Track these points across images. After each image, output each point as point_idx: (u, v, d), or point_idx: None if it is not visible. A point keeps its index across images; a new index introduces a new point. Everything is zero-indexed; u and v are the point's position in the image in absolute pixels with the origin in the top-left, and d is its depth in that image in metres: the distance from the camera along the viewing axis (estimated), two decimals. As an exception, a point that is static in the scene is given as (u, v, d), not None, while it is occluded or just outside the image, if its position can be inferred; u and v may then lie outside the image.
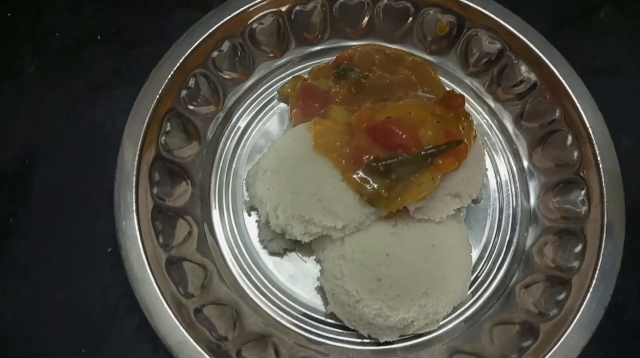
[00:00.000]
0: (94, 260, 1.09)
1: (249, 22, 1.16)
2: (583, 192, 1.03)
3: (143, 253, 0.93)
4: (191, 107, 1.10)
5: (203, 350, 0.87)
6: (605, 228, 0.97)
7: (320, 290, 1.02)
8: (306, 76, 1.18)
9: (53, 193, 1.15)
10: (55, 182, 1.16)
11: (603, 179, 1.01)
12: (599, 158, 1.02)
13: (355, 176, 0.93)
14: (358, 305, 0.94)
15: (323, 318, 1.02)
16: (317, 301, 1.03)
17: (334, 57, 1.18)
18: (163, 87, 1.05)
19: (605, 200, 0.99)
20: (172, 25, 1.28)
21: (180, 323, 0.89)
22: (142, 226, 0.96)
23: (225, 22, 1.13)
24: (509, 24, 1.12)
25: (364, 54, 1.16)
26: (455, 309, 1.02)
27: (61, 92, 1.25)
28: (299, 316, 1.02)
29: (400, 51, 1.21)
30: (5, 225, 1.11)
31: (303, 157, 0.99)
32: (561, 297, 0.96)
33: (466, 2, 1.15)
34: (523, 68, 1.14)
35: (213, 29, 1.12)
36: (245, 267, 1.05)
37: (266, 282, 1.04)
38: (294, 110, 1.09)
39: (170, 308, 0.90)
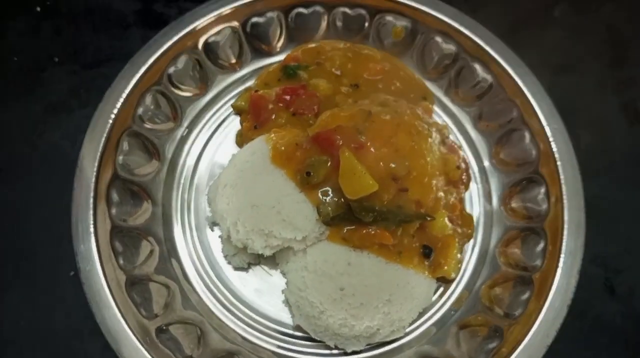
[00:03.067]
0: (57, 284, 1.08)
1: (205, 36, 1.16)
2: (543, 190, 1.04)
3: (102, 275, 0.93)
4: (148, 125, 1.09)
5: (167, 371, 0.86)
6: (565, 225, 0.97)
7: (287, 303, 1.01)
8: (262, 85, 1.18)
9: (14, 217, 1.14)
10: (16, 205, 1.15)
11: (561, 176, 1.01)
12: (556, 155, 1.03)
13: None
14: (322, 316, 0.93)
15: (290, 332, 1.01)
16: (283, 314, 1.02)
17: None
18: (118, 106, 1.05)
19: (564, 197, 1.00)
20: (129, 44, 1.27)
21: (143, 345, 0.89)
22: (101, 248, 0.95)
23: (180, 37, 1.13)
24: (461, 26, 1.13)
25: (306, 49, 1.19)
26: (423, 314, 1.01)
27: (21, 114, 1.24)
28: (266, 331, 1.01)
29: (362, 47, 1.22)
30: (-33, 250, 1.10)
31: (261, 170, 0.99)
32: (525, 296, 0.96)
33: (419, 6, 1.15)
34: (479, 69, 1.14)
35: (168, 45, 1.11)
36: (209, 283, 1.04)
37: (231, 297, 1.03)
38: (244, 124, 1.09)
39: (132, 330, 0.89)
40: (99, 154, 1.01)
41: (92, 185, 0.98)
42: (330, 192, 0.94)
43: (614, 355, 1.03)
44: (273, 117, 1.09)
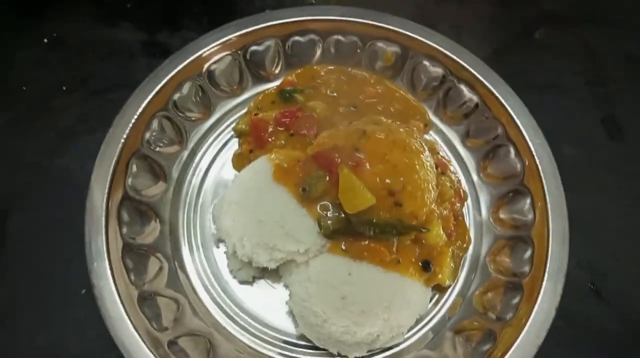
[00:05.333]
0: (69, 303, 1.11)
1: (207, 64, 1.22)
2: (528, 201, 1.10)
3: (115, 291, 0.97)
4: (156, 148, 1.15)
5: (179, 381, 0.91)
6: (550, 233, 1.04)
7: (290, 313, 1.06)
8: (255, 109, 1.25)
9: (28, 240, 1.17)
10: (30, 229, 1.18)
11: (545, 187, 1.08)
12: (540, 168, 1.10)
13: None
14: (325, 324, 0.98)
15: (295, 341, 1.05)
16: (287, 324, 1.07)
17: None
18: (127, 131, 1.10)
19: (548, 207, 1.06)
20: (135, 71, 1.33)
21: (156, 357, 0.93)
22: (114, 265, 0.99)
23: (185, 65, 1.19)
24: (448, 51, 1.21)
25: (300, 73, 1.27)
26: (420, 320, 1.06)
27: (32, 141, 1.29)
28: (271, 340, 1.05)
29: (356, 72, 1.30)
30: (-19, 275, 1.13)
31: (264, 187, 1.04)
32: (516, 300, 1.02)
33: (408, 33, 1.24)
34: (465, 90, 1.22)
35: (173, 73, 1.18)
36: (216, 297, 1.08)
37: (237, 310, 1.07)
38: (244, 146, 1.17)
39: (145, 343, 0.93)
40: (109, 176, 1.06)
41: (104, 206, 1.03)
42: (330, 207, 1.00)
43: (603, 357, 1.08)
44: (272, 139, 1.16)
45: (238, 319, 1.06)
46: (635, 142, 1.34)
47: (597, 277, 1.16)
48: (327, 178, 0.99)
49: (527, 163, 1.13)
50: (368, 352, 1.02)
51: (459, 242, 1.13)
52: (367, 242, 0.99)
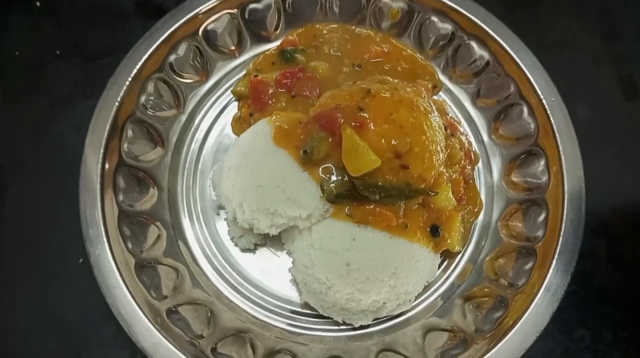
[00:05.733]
0: (67, 272, 1.10)
1: (204, 23, 1.17)
2: (542, 162, 1.05)
3: (112, 259, 0.95)
4: (152, 112, 1.11)
5: (178, 349, 0.88)
6: (565, 196, 0.99)
7: (294, 281, 1.03)
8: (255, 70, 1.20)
9: (26, 210, 1.16)
10: (27, 199, 1.16)
11: (560, 148, 1.03)
12: (554, 127, 1.04)
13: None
14: (330, 292, 0.95)
15: (298, 310, 1.03)
16: (291, 293, 1.04)
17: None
18: (121, 94, 1.06)
19: (564, 168, 1.01)
20: (130, 35, 1.27)
21: (154, 326, 0.90)
22: (110, 233, 0.97)
23: (180, 25, 1.14)
24: (456, 5, 1.15)
25: (301, 32, 1.21)
26: (428, 287, 1.03)
27: (26, 109, 1.26)
28: (275, 309, 1.03)
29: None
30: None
31: (265, 151, 1.00)
32: (528, 266, 0.98)
33: (414, -14, 1.17)
34: (475, 47, 1.16)
35: (168, 33, 1.13)
36: (217, 265, 1.05)
37: (239, 278, 1.05)
38: (243, 109, 1.11)
39: (143, 311, 0.91)
40: (103, 141, 1.03)
41: (99, 172, 1.00)
42: (333, 170, 0.95)
43: (618, 322, 1.04)
44: (273, 101, 1.11)
45: (240, 288, 1.04)
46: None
47: (613, 242, 1.11)
48: (330, 140, 0.94)
49: (540, 122, 1.07)
50: (374, 320, 0.99)
51: (470, 206, 1.09)
52: (372, 207, 0.95)
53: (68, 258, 1.10)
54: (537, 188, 1.05)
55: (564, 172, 1.00)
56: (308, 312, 1.02)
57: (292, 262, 1.03)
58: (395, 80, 1.06)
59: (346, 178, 0.94)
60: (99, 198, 0.98)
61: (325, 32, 1.21)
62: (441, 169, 1.00)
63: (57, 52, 1.31)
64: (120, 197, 1.02)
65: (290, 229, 1.00)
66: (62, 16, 1.36)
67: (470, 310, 0.98)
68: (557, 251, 0.95)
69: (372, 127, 0.93)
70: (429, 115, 0.99)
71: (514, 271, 0.99)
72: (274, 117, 1.03)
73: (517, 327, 0.90)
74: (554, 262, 0.94)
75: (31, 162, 1.20)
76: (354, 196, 0.95)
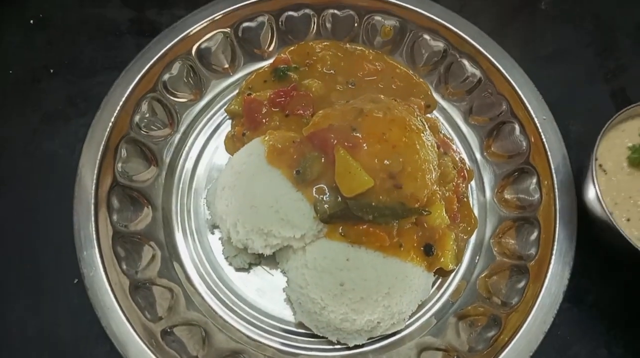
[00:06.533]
0: (61, 291, 1.08)
1: (197, 42, 1.17)
2: (534, 180, 1.06)
3: (106, 280, 0.95)
4: (145, 132, 1.11)
5: (173, 371, 0.88)
6: (557, 214, 1.00)
7: (288, 301, 1.03)
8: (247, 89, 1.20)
9: (17, 228, 1.14)
10: (18, 217, 1.15)
11: (552, 165, 1.04)
12: (546, 146, 1.05)
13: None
14: (324, 312, 0.95)
15: (293, 329, 1.03)
16: (286, 312, 1.04)
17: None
18: (115, 114, 1.07)
19: (555, 186, 1.02)
20: (123, 52, 1.28)
21: (148, 348, 0.90)
22: (104, 254, 0.97)
23: (174, 44, 1.14)
24: (448, 23, 1.16)
25: (294, 50, 1.22)
26: (422, 306, 1.03)
27: (19, 125, 1.25)
28: (269, 329, 1.02)
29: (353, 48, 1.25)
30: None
31: (258, 170, 1.00)
32: (521, 284, 0.98)
33: (406, 5, 1.18)
34: (467, 64, 1.17)
35: (162, 52, 1.13)
36: (212, 285, 1.05)
37: (234, 298, 1.04)
38: (237, 128, 1.11)
39: (138, 334, 0.91)
40: (98, 161, 1.03)
41: (93, 193, 1.00)
42: (326, 190, 0.96)
43: (612, 339, 1.04)
44: (267, 120, 1.11)
45: (234, 307, 1.04)
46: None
47: (607, 259, 1.11)
48: (323, 160, 0.95)
49: (532, 140, 1.08)
50: (368, 339, 0.99)
51: (464, 224, 1.09)
52: (365, 226, 0.95)
53: (62, 278, 1.09)
54: (529, 206, 1.05)
55: (556, 190, 1.01)
56: (303, 331, 1.02)
57: (287, 282, 1.03)
58: (388, 99, 1.07)
59: (339, 198, 0.95)
60: (92, 219, 0.98)
61: (318, 49, 1.21)
62: (434, 187, 1.00)
63: (51, 69, 1.31)
64: (115, 217, 1.02)
65: (285, 249, 1.00)
66: (55, 33, 1.36)
67: (464, 328, 0.98)
68: (550, 269, 0.95)
69: (365, 147, 0.93)
70: (422, 134, 1.00)
71: (507, 289, 1.00)
72: (267, 137, 1.03)
73: (510, 345, 0.91)
74: (547, 280, 0.95)
75: (23, 178, 1.19)
76: (347, 216, 0.95)
